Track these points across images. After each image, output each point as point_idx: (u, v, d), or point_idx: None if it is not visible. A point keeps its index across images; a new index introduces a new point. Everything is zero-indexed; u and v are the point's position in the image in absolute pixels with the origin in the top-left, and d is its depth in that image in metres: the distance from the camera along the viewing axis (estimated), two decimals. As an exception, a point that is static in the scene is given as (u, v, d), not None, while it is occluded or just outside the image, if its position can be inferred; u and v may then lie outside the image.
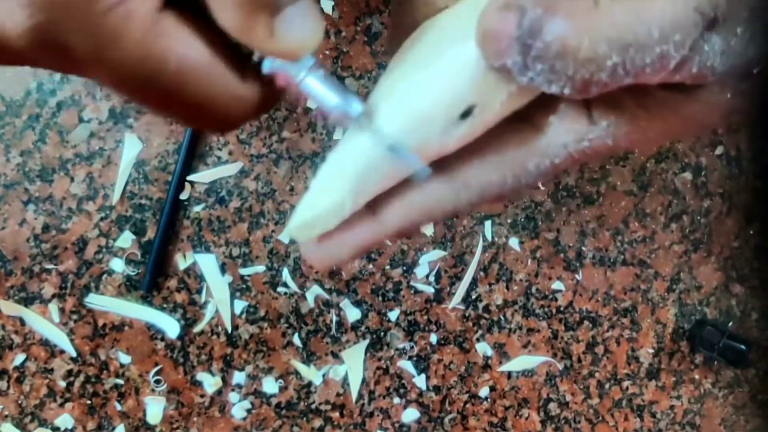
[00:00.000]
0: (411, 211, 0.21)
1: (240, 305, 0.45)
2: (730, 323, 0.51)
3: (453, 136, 0.20)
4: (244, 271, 0.45)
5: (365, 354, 0.46)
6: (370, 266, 0.46)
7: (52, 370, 0.43)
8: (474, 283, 0.47)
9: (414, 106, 0.19)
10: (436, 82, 0.19)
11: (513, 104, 0.20)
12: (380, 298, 0.46)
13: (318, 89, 0.20)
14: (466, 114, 0.19)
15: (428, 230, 0.47)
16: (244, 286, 0.45)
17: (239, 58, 0.19)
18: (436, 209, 0.21)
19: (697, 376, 0.51)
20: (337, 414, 0.46)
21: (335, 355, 0.46)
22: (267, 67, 0.19)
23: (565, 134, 0.20)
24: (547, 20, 0.17)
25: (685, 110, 0.20)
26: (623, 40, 0.17)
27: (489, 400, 0.48)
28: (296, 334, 0.45)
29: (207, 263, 0.44)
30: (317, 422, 0.46)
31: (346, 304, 0.46)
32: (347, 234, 0.21)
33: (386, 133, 0.20)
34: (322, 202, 0.20)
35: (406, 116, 0.20)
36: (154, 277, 0.44)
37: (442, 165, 0.21)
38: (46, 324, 0.43)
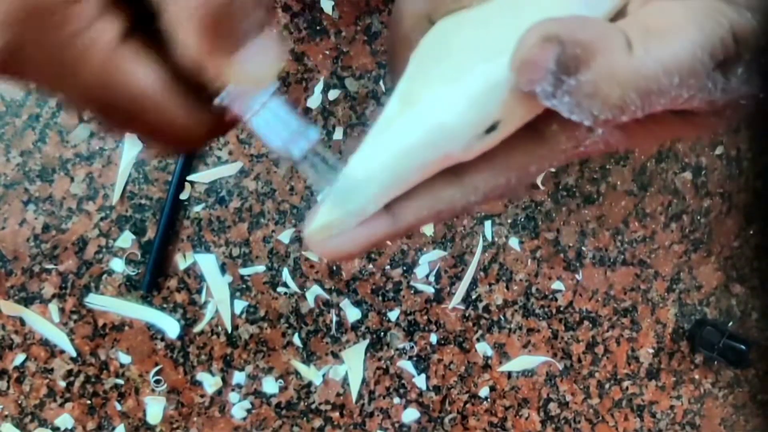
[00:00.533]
0: (423, 211, 0.22)
1: (240, 305, 0.45)
2: (730, 323, 0.51)
3: (475, 149, 0.20)
4: (244, 271, 0.45)
5: (365, 354, 0.46)
6: (370, 266, 0.46)
7: (52, 370, 0.43)
8: (474, 283, 0.47)
9: (440, 120, 0.20)
10: (465, 98, 0.20)
11: (529, 117, 0.21)
12: (380, 298, 0.46)
13: (266, 127, 0.20)
14: (490, 129, 0.20)
15: (428, 230, 0.47)
16: (244, 286, 0.45)
17: (195, 86, 0.20)
18: (446, 210, 0.22)
19: (697, 376, 0.51)
20: (337, 414, 0.46)
21: (335, 355, 0.46)
22: (222, 99, 0.20)
23: (565, 141, 0.21)
24: (584, 62, 0.18)
25: (675, 127, 0.21)
26: (649, 89, 0.18)
27: (489, 400, 0.48)
28: (296, 334, 0.45)
29: (207, 263, 0.44)
30: (317, 422, 0.46)
31: (346, 304, 0.46)
32: (360, 229, 0.22)
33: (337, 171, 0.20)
34: (346, 207, 0.21)
35: (432, 128, 0.20)
36: (154, 277, 0.44)
37: (453, 169, 0.21)
38: (46, 324, 0.43)
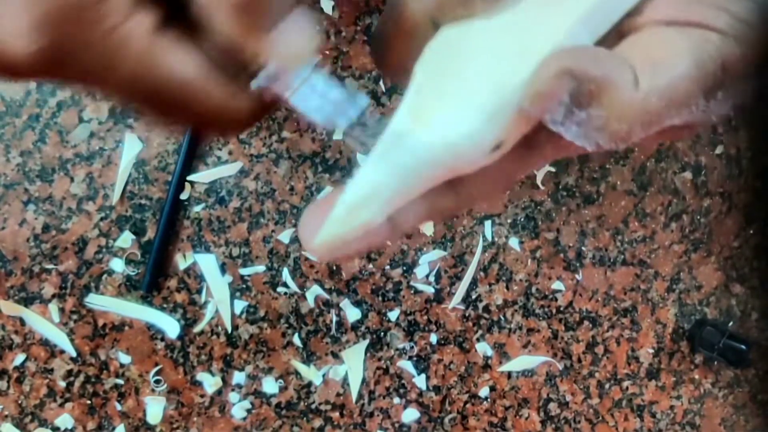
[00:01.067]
0: (421, 215, 0.22)
1: (240, 305, 0.45)
2: (730, 323, 0.51)
3: (479, 164, 0.21)
4: (244, 271, 0.45)
5: (365, 354, 0.46)
6: (370, 266, 0.46)
7: (52, 370, 0.43)
8: (474, 283, 0.47)
9: (453, 141, 0.20)
10: (475, 119, 0.20)
11: (526, 132, 0.22)
12: (380, 298, 0.46)
13: (306, 104, 0.20)
14: (496, 148, 0.21)
15: (428, 230, 0.47)
16: (244, 286, 0.45)
17: (234, 70, 0.20)
18: (441, 214, 0.23)
19: (697, 376, 0.51)
20: (337, 414, 0.46)
21: (335, 355, 0.46)
22: (260, 80, 0.20)
23: (551, 150, 0.22)
24: (596, 98, 0.19)
25: (648, 138, 0.23)
26: (652, 121, 0.20)
27: (489, 400, 0.48)
28: (296, 334, 0.45)
29: (207, 263, 0.44)
30: (317, 422, 0.46)
31: (346, 304, 0.46)
32: (361, 237, 0.22)
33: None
34: (354, 221, 0.21)
35: (444, 149, 0.20)
36: (154, 277, 0.44)
37: (451, 180, 0.22)
38: (46, 324, 0.43)
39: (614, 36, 0.22)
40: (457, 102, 0.20)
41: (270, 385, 0.45)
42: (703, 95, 0.20)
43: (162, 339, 0.44)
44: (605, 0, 0.21)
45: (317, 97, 0.20)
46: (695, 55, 0.20)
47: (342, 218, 0.21)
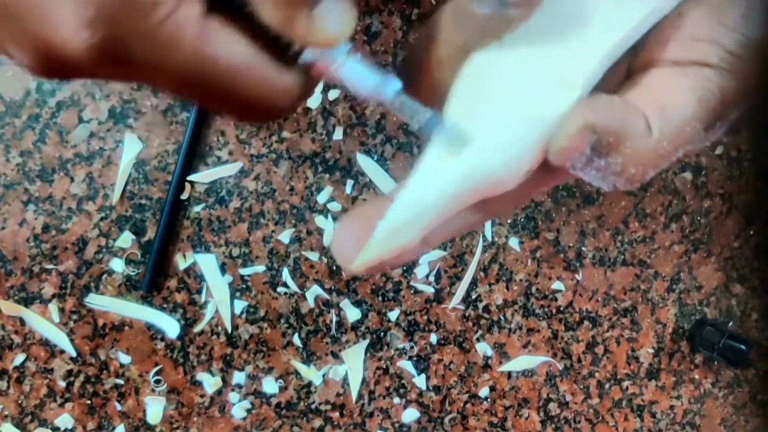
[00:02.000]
0: (450, 231, 0.24)
1: (240, 305, 0.45)
2: (730, 323, 0.51)
3: (510, 189, 0.22)
4: (244, 271, 0.45)
5: (365, 354, 0.46)
6: (370, 266, 0.46)
7: (52, 370, 0.43)
8: (474, 283, 0.47)
9: (490, 170, 0.21)
10: (514, 153, 0.21)
11: None
12: (380, 298, 0.46)
13: (353, 75, 0.21)
14: (527, 173, 0.22)
15: (428, 230, 0.47)
16: (244, 286, 0.45)
17: (279, 49, 0.21)
18: (465, 230, 0.25)
19: (697, 376, 0.51)
20: (337, 414, 0.46)
21: (335, 355, 0.46)
22: (306, 57, 0.21)
23: (565, 175, 0.23)
24: (614, 148, 0.21)
25: None
26: (663, 163, 0.22)
27: (489, 400, 0.48)
28: (296, 334, 0.45)
29: (207, 263, 0.44)
30: (317, 422, 0.46)
31: (346, 304, 0.46)
32: (395, 256, 0.23)
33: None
34: (394, 245, 0.22)
35: (482, 176, 0.21)
36: (154, 277, 0.44)
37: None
38: (46, 324, 0.43)
39: (621, 71, 0.23)
40: (496, 134, 0.21)
41: (270, 385, 0.45)
42: (704, 129, 0.22)
43: (162, 339, 0.44)
44: (626, 35, 0.22)
45: (359, 73, 0.21)
46: (698, 95, 0.21)
47: (383, 241, 0.22)
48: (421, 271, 0.46)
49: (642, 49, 0.23)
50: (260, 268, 0.45)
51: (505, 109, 0.21)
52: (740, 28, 0.21)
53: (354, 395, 0.46)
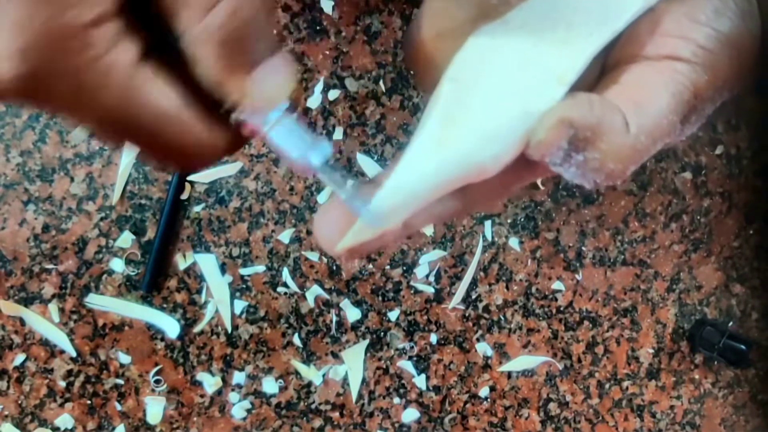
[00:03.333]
0: (431, 218, 0.24)
1: (240, 305, 0.45)
2: (730, 323, 0.51)
3: (492, 176, 0.22)
4: (244, 271, 0.45)
5: (365, 354, 0.46)
6: (370, 266, 0.46)
7: (52, 370, 0.43)
8: (474, 283, 0.47)
9: (477, 159, 0.22)
10: (502, 144, 0.22)
11: None
12: (380, 298, 0.46)
13: (282, 140, 0.21)
14: (506, 163, 0.22)
15: (428, 230, 0.47)
16: (244, 286, 0.45)
17: (210, 103, 0.21)
18: (446, 217, 0.25)
19: (697, 376, 0.51)
20: (337, 414, 0.46)
21: (335, 355, 0.46)
22: (238, 115, 0.21)
23: (544, 170, 0.24)
24: (592, 143, 0.21)
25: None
26: (642, 158, 0.22)
27: (489, 400, 0.48)
28: (296, 334, 0.45)
29: (207, 263, 0.44)
30: (317, 422, 0.46)
31: (346, 304, 0.46)
32: (375, 238, 0.23)
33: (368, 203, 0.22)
34: (378, 229, 0.22)
35: (469, 165, 0.22)
36: (154, 277, 0.44)
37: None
38: (46, 324, 0.43)
39: (595, 68, 0.24)
40: (484, 125, 0.22)
41: (270, 385, 0.45)
42: (680, 122, 0.22)
43: (162, 339, 0.44)
44: (618, 28, 0.22)
45: (290, 137, 0.21)
46: (670, 89, 0.22)
47: (366, 226, 0.22)
48: (421, 271, 0.46)
49: (616, 46, 0.23)
50: (260, 268, 0.45)
51: (496, 99, 0.22)
52: (711, 22, 0.22)
53: (354, 395, 0.46)
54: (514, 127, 0.21)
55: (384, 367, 0.46)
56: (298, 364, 0.45)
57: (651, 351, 0.50)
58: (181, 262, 0.44)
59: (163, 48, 0.20)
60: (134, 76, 0.19)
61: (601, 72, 0.24)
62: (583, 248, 0.49)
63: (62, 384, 0.43)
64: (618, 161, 0.21)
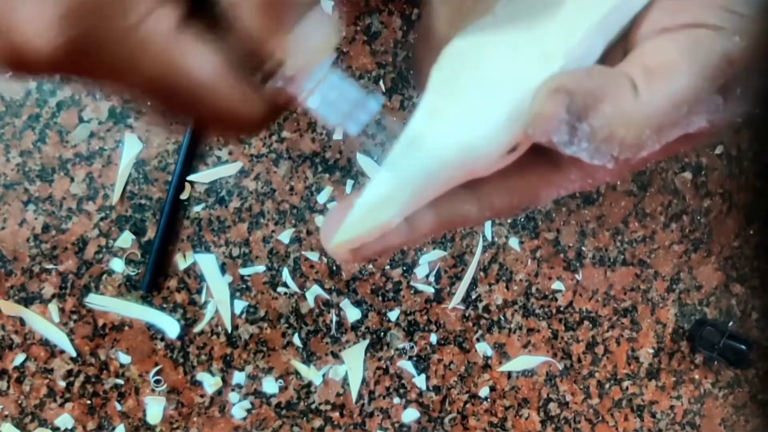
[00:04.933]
0: (441, 221, 0.23)
1: (240, 305, 0.45)
2: (730, 323, 0.51)
3: (496, 166, 0.22)
4: (244, 271, 0.45)
5: (365, 354, 0.46)
6: (370, 266, 0.46)
7: (52, 370, 0.43)
8: (474, 283, 0.47)
9: (466, 140, 0.21)
10: (492, 121, 0.21)
11: None
12: (380, 298, 0.46)
13: (322, 104, 0.21)
14: (512, 150, 0.21)
15: (428, 230, 0.47)
16: (244, 286, 0.45)
17: (253, 68, 0.20)
18: (461, 221, 0.23)
19: (697, 376, 0.51)
20: (337, 414, 0.46)
21: (335, 355, 0.46)
22: (277, 82, 0.20)
23: (576, 171, 0.23)
24: (593, 108, 0.20)
25: (672, 145, 0.23)
26: (663, 123, 0.20)
27: (489, 400, 0.48)
28: (296, 334, 0.45)
29: (207, 263, 0.44)
30: (317, 422, 0.46)
31: (346, 304, 0.46)
32: (379, 239, 0.23)
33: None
34: (372, 223, 0.21)
35: (461, 149, 0.21)
36: (154, 277, 0.44)
37: (473, 186, 0.22)
38: (46, 324, 0.43)
39: (620, 52, 0.22)
40: (473, 104, 0.21)
41: (270, 385, 0.45)
42: (719, 92, 0.20)
43: (162, 339, 0.44)
44: (616, 7, 0.21)
45: (334, 97, 0.21)
46: (692, 54, 0.20)
47: (359, 220, 0.21)
48: (421, 271, 0.46)
49: (632, 28, 0.22)
50: (260, 268, 0.45)
51: (485, 82, 0.21)
52: None
53: (354, 395, 0.46)
54: (505, 105, 0.21)
55: (384, 367, 0.46)
56: (298, 364, 0.45)
57: (651, 351, 0.50)
58: (181, 262, 0.44)
59: (202, 14, 0.20)
60: (175, 40, 0.19)
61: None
62: (583, 248, 0.49)
63: (62, 384, 0.43)
64: (629, 126, 0.20)
